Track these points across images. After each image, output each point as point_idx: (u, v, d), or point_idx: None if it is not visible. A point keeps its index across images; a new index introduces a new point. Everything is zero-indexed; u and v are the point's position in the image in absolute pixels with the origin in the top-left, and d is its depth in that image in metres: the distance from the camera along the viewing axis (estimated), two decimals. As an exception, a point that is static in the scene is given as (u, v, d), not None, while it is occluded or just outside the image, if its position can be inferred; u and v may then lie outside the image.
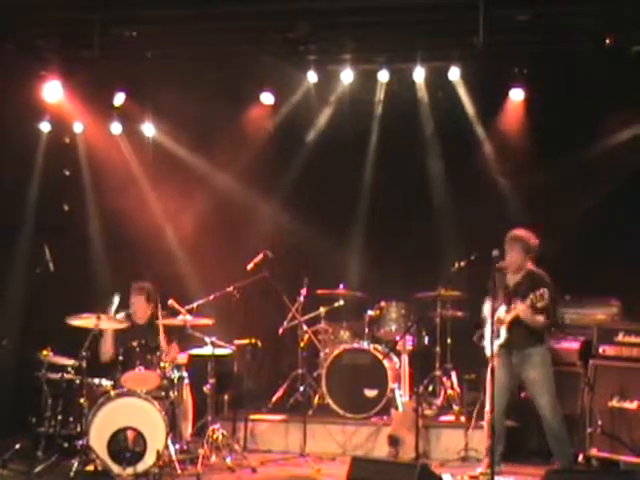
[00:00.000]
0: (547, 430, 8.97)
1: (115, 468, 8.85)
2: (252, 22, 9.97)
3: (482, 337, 9.15)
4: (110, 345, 9.72)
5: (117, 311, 9.55)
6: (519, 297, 8.85)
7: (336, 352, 10.76)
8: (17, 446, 9.20)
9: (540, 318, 8.76)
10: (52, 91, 10.69)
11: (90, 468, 8.93)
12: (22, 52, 10.39)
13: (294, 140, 11.90)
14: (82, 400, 9.12)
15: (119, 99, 11.28)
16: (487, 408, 8.88)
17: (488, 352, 8.66)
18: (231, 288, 10.25)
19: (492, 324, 8.52)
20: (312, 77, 11.01)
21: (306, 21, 9.67)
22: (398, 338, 10.43)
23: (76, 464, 8.80)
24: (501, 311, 8.92)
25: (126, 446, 8.88)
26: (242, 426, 10.23)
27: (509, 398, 9.10)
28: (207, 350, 9.78)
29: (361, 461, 8.21)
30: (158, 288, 9.95)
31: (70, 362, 9.36)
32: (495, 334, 8.66)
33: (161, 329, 9.58)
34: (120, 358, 9.29)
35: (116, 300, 9.53)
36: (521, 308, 8.75)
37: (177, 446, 9.27)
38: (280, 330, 11.08)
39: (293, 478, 9.36)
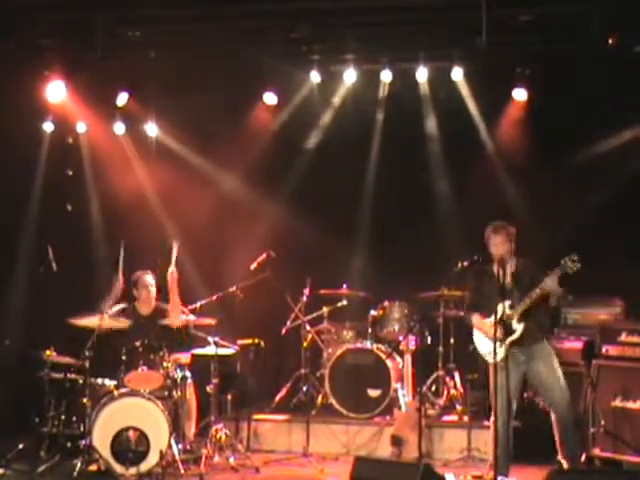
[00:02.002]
0: (560, 428, 8.56)
1: (118, 468, 8.85)
2: (255, 22, 10.01)
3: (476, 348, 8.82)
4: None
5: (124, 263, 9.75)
6: (523, 286, 8.46)
7: (339, 352, 10.76)
8: (20, 446, 9.21)
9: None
10: (55, 91, 10.73)
11: (93, 468, 8.95)
12: (25, 52, 10.41)
13: (297, 140, 11.90)
14: (85, 400, 9.12)
15: (122, 99, 11.29)
16: (495, 416, 8.34)
17: (490, 359, 8.41)
18: (234, 288, 10.26)
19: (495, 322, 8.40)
20: (315, 77, 11.02)
21: (309, 21, 9.69)
22: (401, 338, 10.41)
23: (79, 464, 8.82)
24: (505, 307, 8.45)
25: (129, 446, 8.88)
26: (245, 426, 10.22)
27: (518, 400, 8.74)
28: (210, 350, 9.78)
29: (364, 461, 8.19)
30: (161, 288, 9.99)
31: (73, 362, 9.37)
32: (502, 333, 8.35)
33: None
34: (123, 358, 9.29)
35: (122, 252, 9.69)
36: (550, 280, 8.26)
37: (180, 446, 9.27)
38: (283, 330, 11.09)
39: (296, 478, 9.37)
